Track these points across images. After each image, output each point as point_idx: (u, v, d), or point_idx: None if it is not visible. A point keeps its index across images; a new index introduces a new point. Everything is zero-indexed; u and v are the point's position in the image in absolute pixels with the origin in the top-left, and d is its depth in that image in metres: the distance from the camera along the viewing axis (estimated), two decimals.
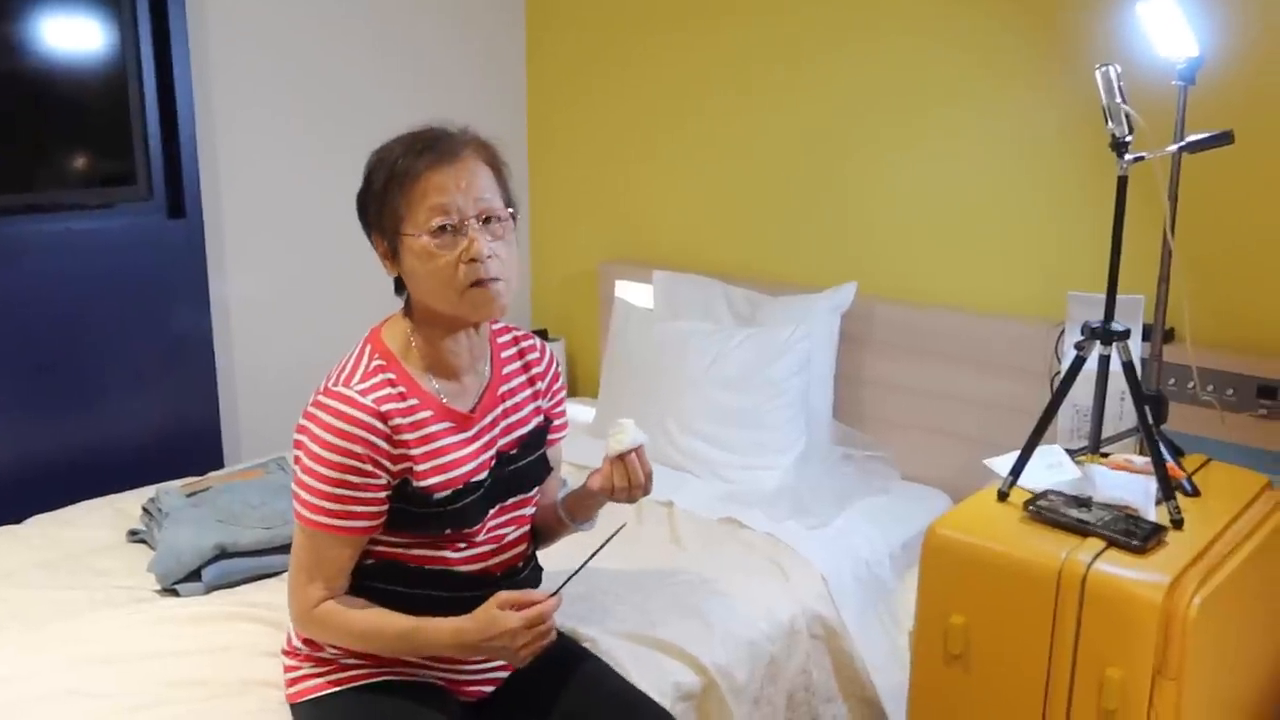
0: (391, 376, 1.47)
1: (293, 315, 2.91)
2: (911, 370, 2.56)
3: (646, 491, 1.61)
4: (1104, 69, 1.70)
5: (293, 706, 1.55)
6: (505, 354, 1.63)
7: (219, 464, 2.70)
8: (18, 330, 2.39)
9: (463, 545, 1.54)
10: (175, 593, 1.94)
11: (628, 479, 1.58)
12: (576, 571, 1.47)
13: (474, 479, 1.52)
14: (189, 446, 2.66)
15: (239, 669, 1.69)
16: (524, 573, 1.64)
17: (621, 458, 1.59)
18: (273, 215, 2.84)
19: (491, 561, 1.58)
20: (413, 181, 1.42)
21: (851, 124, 2.67)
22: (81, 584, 1.97)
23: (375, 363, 1.48)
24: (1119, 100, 1.70)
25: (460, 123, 1.51)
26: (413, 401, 1.47)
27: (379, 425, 1.42)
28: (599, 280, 3.18)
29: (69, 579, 1.99)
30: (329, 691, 1.52)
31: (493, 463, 1.56)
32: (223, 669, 1.69)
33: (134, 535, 2.15)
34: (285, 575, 1.98)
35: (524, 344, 1.67)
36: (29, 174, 2.40)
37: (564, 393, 1.73)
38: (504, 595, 1.44)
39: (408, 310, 1.54)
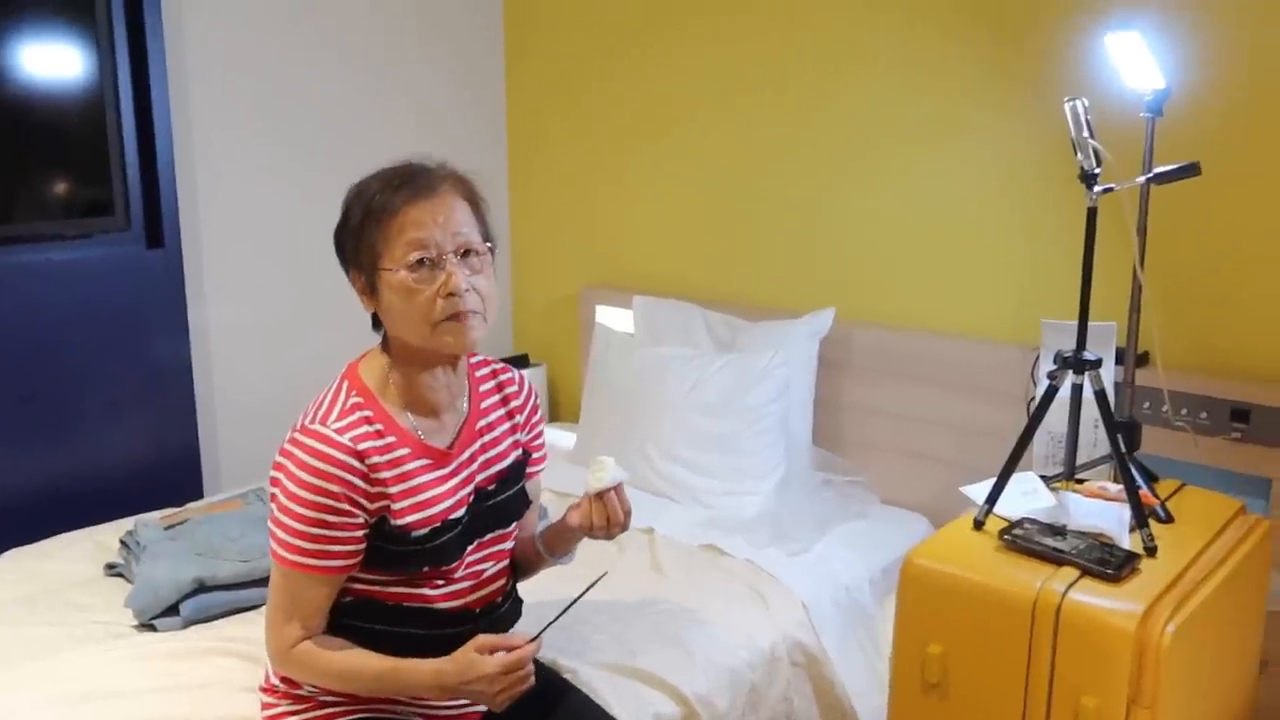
0: (369, 414, 1.46)
1: (272, 343, 2.90)
2: (890, 395, 2.58)
3: (624, 529, 1.61)
4: (1072, 103, 1.72)
5: None
6: (484, 388, 1.62)
7: (199, 493, 2.69)
8: None
9: (441, 583, 1.53)
10: (153, 628, 1.93)
11: (606, 517, 1.58)
12: (556, 618, 1.47)
13: (451, 516, 1.51)
14: (168, 476, 2.65)
15: (217, 706, 1.68)
16: (503, 608, 1.64)
17: (600, 495, 1.58)
18: (252, 243, 2.83)
19: (470, 598, 1.57)
20: (390, 217, 1.42)
21: (830, 150, 2.69)
22: (59, 619, 1.96)
23: (353, 400, 1.47)
24: (1086, 134, 1.72)
25: (438, 158, 1.51)
26: (390, 439, 1.46)
27: (356, 464, 1.42)
28: (580, 305, 3.19)
29: (47, 614, 1.98)
30: None
31: (470, 499, 1.55)
32: (201, 706, 1.68)
33: (111, 569, 2.14)
34: (264, 609, 1.99)
35: (502, 377, 1.66)
36: (7, 204, 2.40)
37: (542, 425, 1.72)
38: (483, 639, 1.44)
39: (385, 346, 1.53)
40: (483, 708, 1.60)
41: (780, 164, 2.78)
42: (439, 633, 1.51)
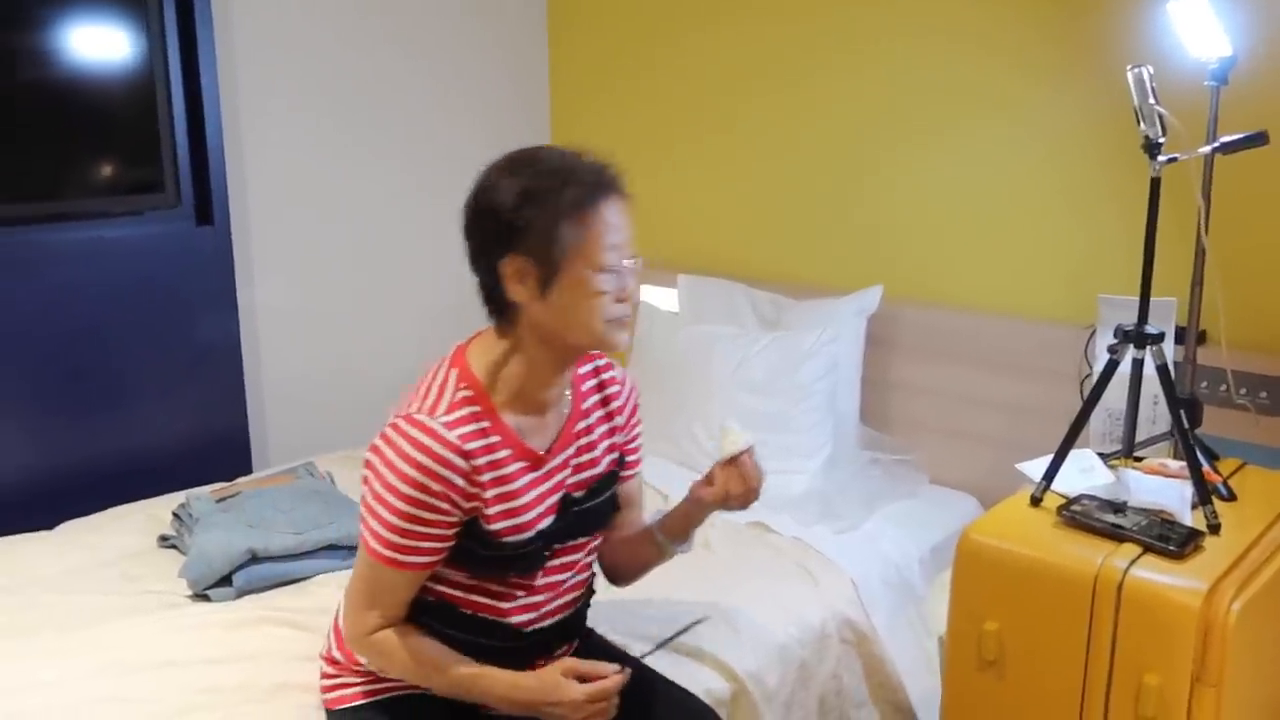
0: (477, 410, 1.40)
1: (319, 321, 2.92)
2: (938, 373, 2.55)
3: (758, 496, 1.55)
4: (1136, 70, 1.68)
5: (329, 713, 1.56)
6: (585, 386, 1.56)
7: (248, 470, 2.71)
8: (49, 338, 2.41)
9: (520, 593, 1.49)
10: (206, 598, 1.95)
11: (744, 482, 1.53)
12: (651, 652, 1.45)
13: (541, 525, 1.47)
14: (218, 452, 2.68)
15: (272, 674, 1.69)
16: (578, 618, 1.61)
17: (734, 460, 1.52)
18: (299, 221, 2.85)
19: (546, 609, 1.53)
20: (591, 216, 1.36)
21: (877, 126, 2.65)
22: (114, 589, 1.98)
23: (462, 393, 1.40)
24: (1152, 101, 1.68)
25: (591, 152, 1.45)
26: (494, 439, 1.41)
27: (460, 464, 1.37)
28: None
29: (101, 585, 2.00)
30: (365, 701, 1.52)
31: (559, 506, 1.50)
32: (256, 674, 1.69)
33: (165, 541, 2.17)
34: (316, 579, 2.02)
35: (604, 375, 1.59)
36: (58, 183, 2.42)
37: (641, 428, 1.64)
38: (570, 663, 1.44)
39: (507, 335, 1.43)
40: None
41: (826, 139, 2.75)
42: (511, 645, 1.49)
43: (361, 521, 1.41)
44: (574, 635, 1.62)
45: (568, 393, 1.52)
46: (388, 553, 1.38)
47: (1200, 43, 1.83)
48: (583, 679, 1.42)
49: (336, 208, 2.90)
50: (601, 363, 1.60)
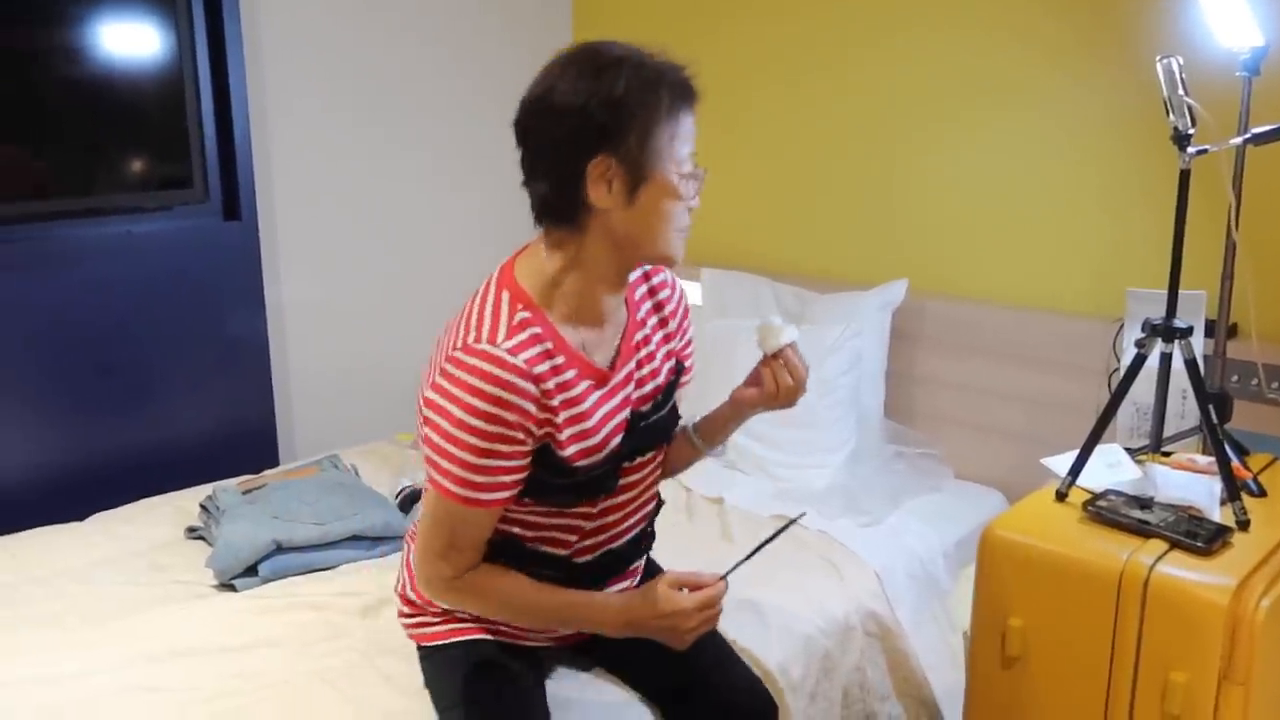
0: (538, 331, 1.34)
1: (345, 316, 2.94)
2: (963, 368, 2.53)
3: (803, 392, 1.50)
4: (1166, 60, 1.66)
5: (420, 647, 1.60)
6: (638, 293, 1.52)
7: (274, 462, 2.74)
8: (78, 332, 2.44)
9: (584, 522, 1.48)
10: (232, 588, 1.97)
11: (791, 377, 1.47)
12: (746, 558, 1.44)
13: (610, 444, 1.44)
14: (245, 446, 2.70)
15: (299, 660, 1.72)
16: (644, 542, 1.61)
17: (777, 355, 1.48)
18: (326, 217, 2.87)
19: (615, 530, 1.53)
20: (678, 121, 1.34)
21: (902, 118, 2.64)
22: (142, 580, 2.00)
23: (520, 315, 1.34)
24: (1181, 92, 1.66)
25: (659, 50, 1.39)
26: (559, 360, 1.36)
27: (531, 389, 1.31)
28: None
29: (130, 575, 2.02)
30: (447, 641, 1.55)
31: (627, 424, 1.46)
32: (283, 659, 1.72)
33: (192, 532, 2.19)
34: (339, 568, 2.03)
35: (655, 280, 1.54)
36: (88, 178, 2.45)
37: (692, 328, 1.61)
38: (673, 575, 1.42)
39: (566, 246, 1.37)
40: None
41: (851, 133, 2.74)
42: (574, 577, 1.50)
43: (429, 465, 1.35)
44: (636, 563, 1.61)
45: (623, 305, 1.47)
46: (465, 492, 1.33)
47: (1231, 32, 1.80)
48: (688, 589, 1.41)
49: (362, 203, 2.91)
50: (649, 267, 1.53)
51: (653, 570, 1.68)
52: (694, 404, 1.68)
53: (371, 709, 1.60)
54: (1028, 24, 2.39)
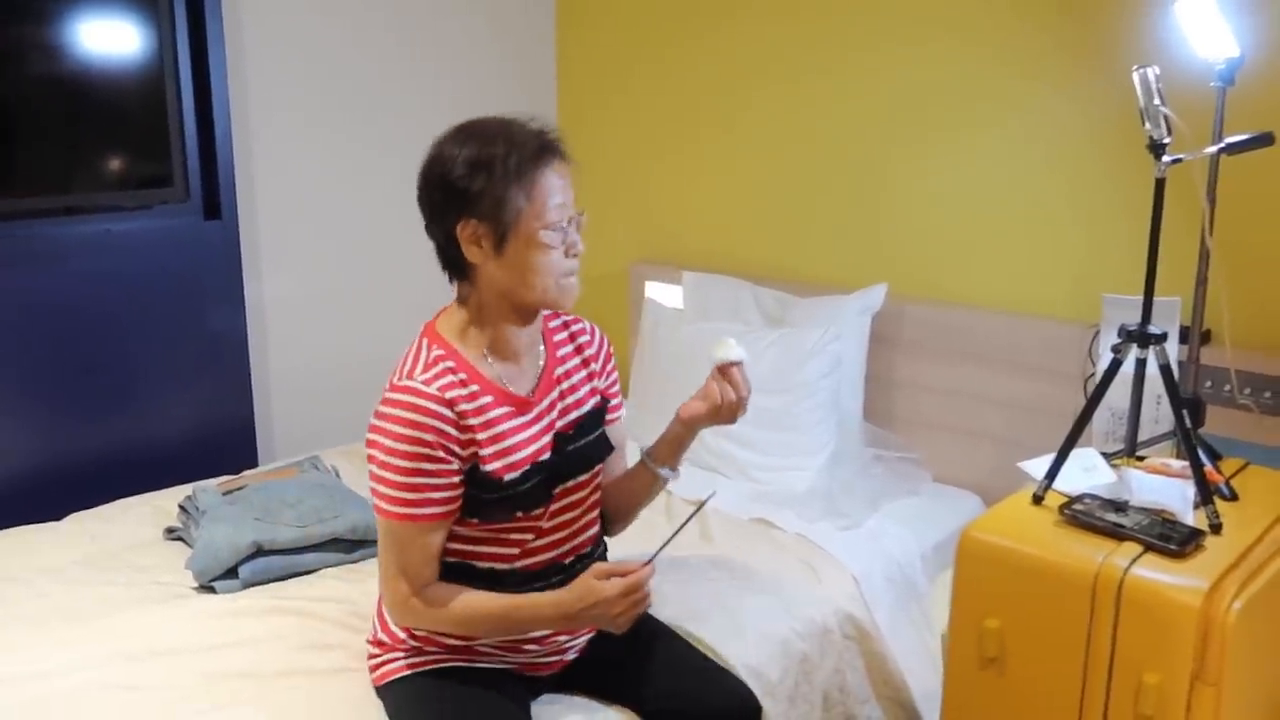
0: (452, 365, 1.51)
1: (326, 316, 2.93)
2: (942, 372, 2.56)
3: (743, 412, 1.65)
4: (1142, 70, 1.69)
5: (378, 689, 1.62)
6: (557, 338, 1.68)
7: (254, 463, 2.73)
8: (57, 331, 2.42)
9: (531, 536, 1.58)
10: (212, 589, 1.96)
11: (733, 393, 1.63)
12: (671, 538, 1.51)
13: (538, 460, 1.56)
14: (224, 445, 2.69)
15: (278, 661, 1.72)
16: (593, 557, 1.69)
17: (725, 371, 1.63)
18: (306, 216, 2.86)
19: (563, 549, 1.63)
20: (535, 177, 1.48)
21: (883, 125, 2.66)
22: (121, 580, 2.00)
23: (435, 353, 1.52)
24: (1157, 102, 1.68)
25: (535, 117, 1.55)
26: (474, 388, 1.52)
27: (446, 412, 1.47)
28: (629, 281, 3.19)
29: (109, 575, 2.02)
30: (410, 673, 1.59)
31: (553, 445, 1.59)
32: (263, 661, 1.72)
33: (171, 533, 2.18)
34: (320, 572, 2.04)
35: (574, 328, 1.71)
36: (68, 176, 2.44)
37: (616, 373, 1.76)
38: (599, 566, 1.51)
39: (467, 300, 1.56)
40: (570, 655, 1.68)
41: (831, 137, 2.76)
42: (522, 587, 1.58)
43: (373, 494, 1.50)
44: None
45: (541, 345, 1.63)
46: (400, 510, 1.47)
47: (1207, 43, 1.83)
48: (614, 578, 1.48)
49: (343, 203, 2.91)
50: (569, 317, 1.71)
51: None
52: (674, 408, 1.72)
53: (351, 713, 1.60)
54: (1007, 34, 2.42)
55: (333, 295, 2.94)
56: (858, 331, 2.57)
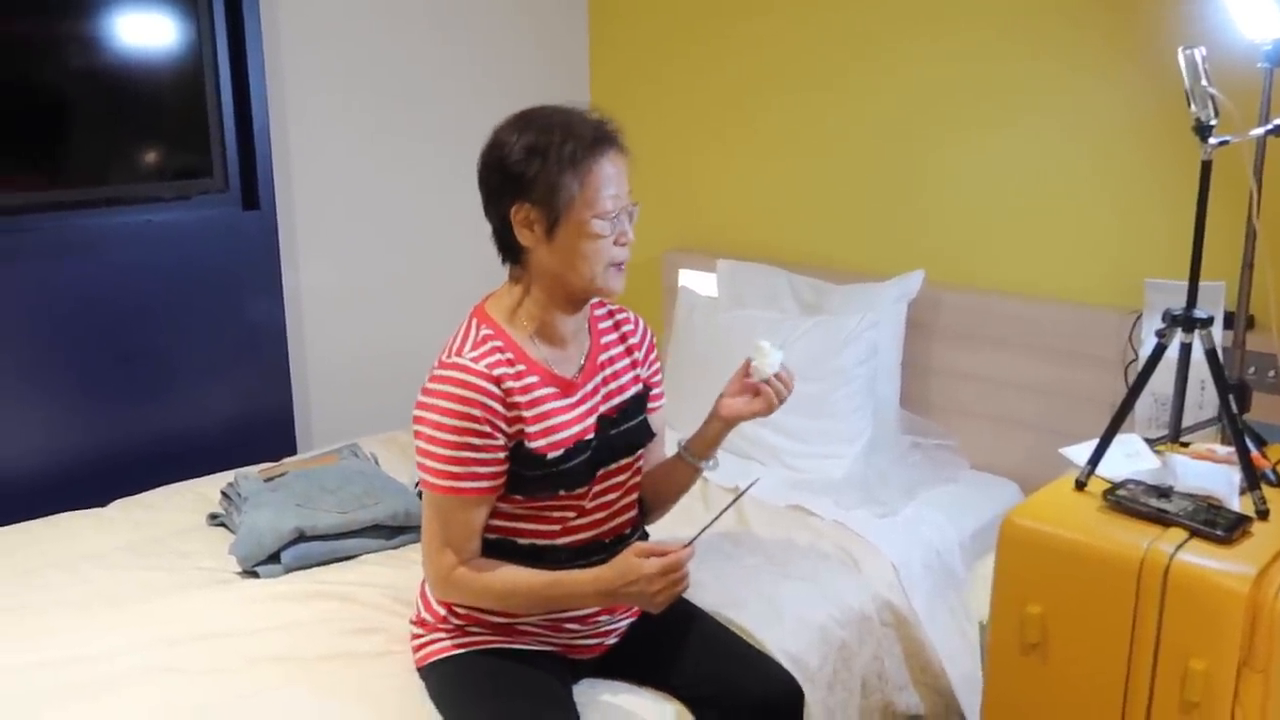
0: (500, 344, 1.55)
1: (363, 305, 2.95)
2: (979, 359, 2.54)
3: (782, 402, 1.70)
4: (1188, 51, 1.66)
5: (421, 670, 1.64)
6: (602, 326, 1.71)
7: (292, 450, 2.75)
8: (99, 321, 2.45)
9: (573, 515, 1.61)
10: (255, 574, 1.98)
11: (776, 398, 1.68)
12: (711, 523, 1.53)
13: (582, 440, 1.59)
14: (264, 433, 2.72)
15: (321, 644, 1.73)
16: (632, 539, 1.70)
17: (765, 380, 1.67)
18: (343, 206, 2.88)
19: (602, 529, 1.65)
20: (592, 166, 1.51)
21: (918, 111, 2.64)
22: (165, 565, 2.02)
23: (484, 332, 1.56)
24: (1204, 83, 1.66)
25: (596, 109, 1.60)
26: (521, 367, 1.55)
27: (493, 389, 1.50)
28: (663, 269, 3.19)
29: (152, 561, 2.04)
30: (455, 653, 1.60)
31: (596, 427, 1.62)
32: (305, 645, 1.73)
33: (214, 519, 2.21)
34: (361, 558, 2.05)
35: (619, 317, 1.75)
36: (108, 168, 2.46)
37: (659, 363, 1.79)
38: (641, 545, 1.53)
39: (521, 281, 1.60)
40: (611, 640, 1.69)
41: (868, 126, 2.74)
42: (563, 562, 1.60)
43: (420, 469, 1.53)
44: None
45: (586, 333, 1.66)
46: (446, 483, 1.51)
47: (1254, 24, 1.80)
48: (655, 558, 1.50)
49: (380, 192, 2.93)
50: (614, 307, 1.75)
51: None
52: (709, 396, 1.75)
53: (394, 695, 1.61)
54: (1044, 20, 2.39)
55: (370, 284, 2.96)
56: (894, 319, 2.56)
